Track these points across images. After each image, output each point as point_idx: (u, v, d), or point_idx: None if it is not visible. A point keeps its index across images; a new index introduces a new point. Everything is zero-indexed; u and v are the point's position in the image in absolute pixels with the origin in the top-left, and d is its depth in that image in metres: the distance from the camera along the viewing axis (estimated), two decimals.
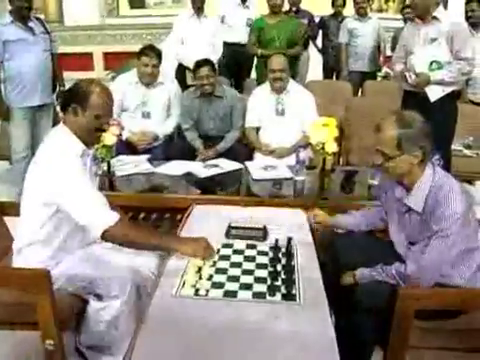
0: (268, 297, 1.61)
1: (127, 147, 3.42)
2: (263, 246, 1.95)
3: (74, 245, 1.95)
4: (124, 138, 3.37)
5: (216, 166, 3.07)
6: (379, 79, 5.70)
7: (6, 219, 2.25)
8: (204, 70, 3.40)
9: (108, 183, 2.79)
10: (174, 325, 1.47)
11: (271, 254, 1.87)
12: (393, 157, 1.76)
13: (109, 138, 2.77)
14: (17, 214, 1.97)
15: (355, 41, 5.24)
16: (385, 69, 5.83)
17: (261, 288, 1.65)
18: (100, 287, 1.87)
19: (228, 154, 3.37)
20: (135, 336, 1.43)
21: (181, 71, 4.65)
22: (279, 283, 1.68)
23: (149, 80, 3.51)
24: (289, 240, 1.89)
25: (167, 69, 4.00)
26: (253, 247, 1.95)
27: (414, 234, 1.84)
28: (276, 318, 1.50)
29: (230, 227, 2.07)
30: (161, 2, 9.44)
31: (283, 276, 1.72)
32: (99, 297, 1.90)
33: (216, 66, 3.69)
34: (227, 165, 3.10)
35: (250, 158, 3.39)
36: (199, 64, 3.44)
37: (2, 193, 3.44)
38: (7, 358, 2.10)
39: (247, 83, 5.03)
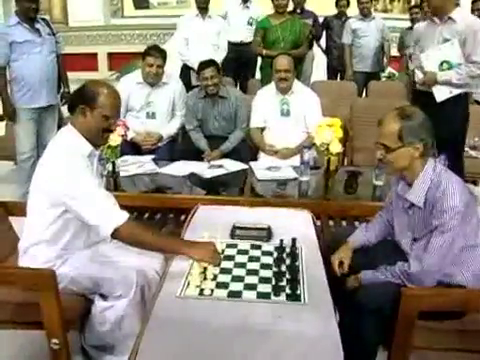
0: (273, 297, 1.61)
1: (132, 147, 3.43)
2: (268, 246, 1.95)
3: (80, 245, 1.96)
4: (129, 138, 3.38)
5: (220, 166, 3.07)
6: (383, 79, 5.69)
7: (11, 219, 2.25)
8: (208, 71, 3.40)
9: (113, 183, 2.80)
10: (179, 325, 1.47)
11: (276, 254, 1.87)
12: (394, 149, 1.77)
13: (114, 139, 2.78)
14: (22, 214, 1.98)
15: (359, 42, 5.22)
16: (389, 69, 5.81)
17: (266, 288, 1.65)
18: (105, 287, 1.88)
19: (232, 154, 3.37)
20: (140, 336, 1.44)
21: (185, 71, 4.66)
22: (284, 283, 1.68)
23: (154, 80, 3.52)
24: (294, 240, 1.89)
25: (172, 69, 4.00)
26: (258, 247, 1.95)
27: (418, 230, 1.85)
28: (280, 318, 1.50)
29: (234, 227, 2.07)
30: (165, 2, 9.48)
31: (288, 276, 1.71)
32: (104, 297, 1.91)
33: (220, 66, 3.69)
34: (231, 165, 3.10)
35: (255, 158, 3.39)
36: (203, 65, 3.45)
37: (7, 193, 3.45)
38: (13, 357, 2.11)
39: (251, 84, 5.03)
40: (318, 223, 2.36)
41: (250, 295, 1.62)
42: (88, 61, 8.95)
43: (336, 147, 2.86)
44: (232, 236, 2.03)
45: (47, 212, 1.84)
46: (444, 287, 1.77)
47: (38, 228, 1.87)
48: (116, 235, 1.78)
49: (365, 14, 5.19)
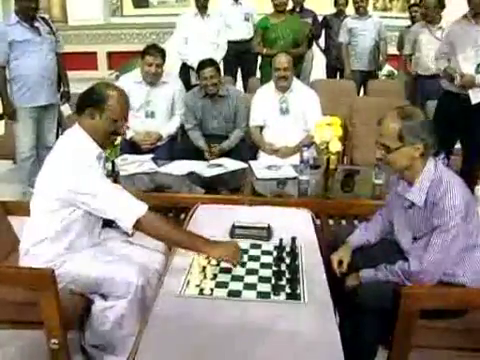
0: (272, 297, 1.61)
1: (131, 146, 3.43)
2: (267, 245, 1.95)
3: (82, 244, 1.96)
4: (128, 137, 3.38)
5: (220, 165, 3.07)
6: (383, 78, 5.66)
7: (10, 218, 2.25)
8: (208, 71, 3.39)
9: (112, 182, 2.79)
10: (178, 324, 1.47)
11: (275, 253, 1.87)
12: (394, 149, 1.76)
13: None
14: (21, 214, 1.98)
15: (355, 40, 5.20)
16: (389, 68, 5.79)
17: (265, 288, 1.66)
18: (105, 287, 1.87)
19: (232, 153, 3.37)
20: (140, 335, 1.44)
21: (185, 70, 4.65)
22: (283, 283, 1.68)
23: (153, 79, 3.51)
24: (293, 239, 1.89)
25: (171, 68, 3.99)
26: (257, 246, 1.95)
27: (418, 229, 1.85)
28: (280, 318, 1.50)
29: (234, 226, 2.07)
30: (165, 1, 9.47)
31: (287, 276, 1.72)
32: (104, 297, 1.91)
33: (219, 65, 3.69)
34: (231, 164, 3.10)
35: (254, 157, 3.39)
36: (203, 64, 3.44)
37: (6, 193, 3.45)
38: (13, 356, 2.11)
39: (252, 82, 5.02)
40: (318, 222, 2.36)
41: (250, 294, 1.62)
42: (87, 60, 8.94)
43: (336, 146, 2.85)
44: (232, 235, 2.03)
45: (55, 212, 1.84)
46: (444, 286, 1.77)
47: (43, 227, 1.87)
48: (138, 226, 1.78)
49: (361, 13, 5.18)
